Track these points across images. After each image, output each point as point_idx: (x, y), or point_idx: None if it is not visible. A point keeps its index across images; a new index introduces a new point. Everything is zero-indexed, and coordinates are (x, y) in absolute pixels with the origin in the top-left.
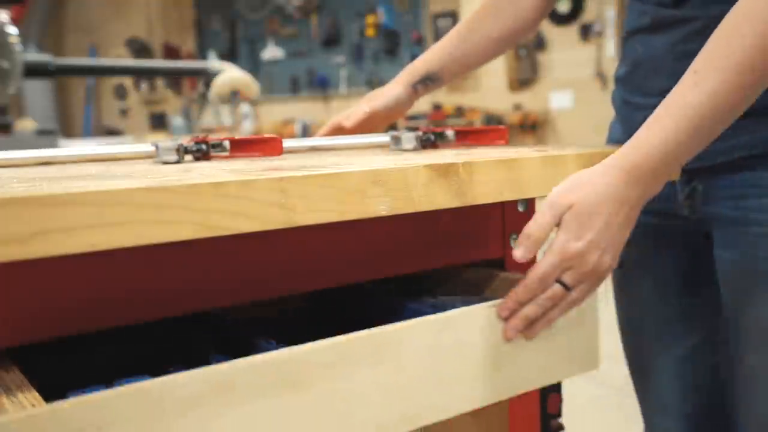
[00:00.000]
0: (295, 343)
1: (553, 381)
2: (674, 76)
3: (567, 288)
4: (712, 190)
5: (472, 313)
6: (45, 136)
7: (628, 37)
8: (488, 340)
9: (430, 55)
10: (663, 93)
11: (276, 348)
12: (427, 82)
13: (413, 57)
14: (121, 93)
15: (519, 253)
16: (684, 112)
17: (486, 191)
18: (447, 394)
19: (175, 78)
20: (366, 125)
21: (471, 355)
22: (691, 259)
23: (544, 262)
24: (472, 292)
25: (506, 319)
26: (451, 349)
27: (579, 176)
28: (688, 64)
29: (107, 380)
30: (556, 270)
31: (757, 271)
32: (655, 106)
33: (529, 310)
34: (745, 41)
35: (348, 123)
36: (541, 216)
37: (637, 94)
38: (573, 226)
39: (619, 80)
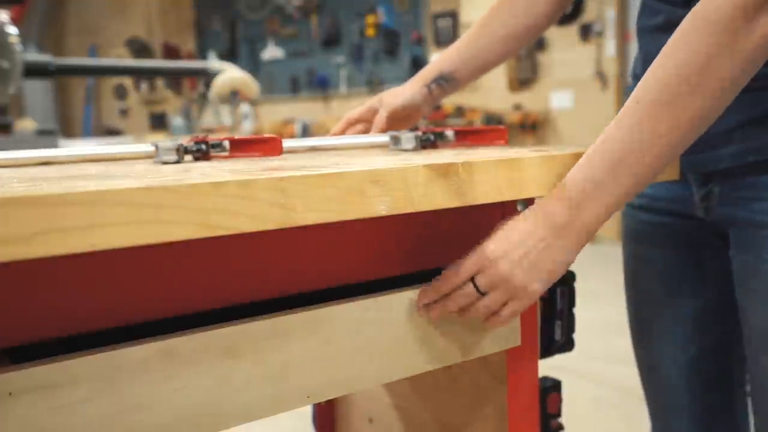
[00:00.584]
0: None
1: (476, 356)
2: None
3: (479, 291)
4: (727, 192)
5: (397, 296)
6: (45, 136)
7: (640, 34)
8: (412, 319)
9: (444, 55)
10: None
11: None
12: (441, 82)
13: (413, 57)
14: (121, 93)
15: (421, 299)
16: (602, 146)
17: (486, 191)
18: (372, 364)
19: (175, 78)
20: (386, 128)
21: (394, 331)
22: (705, 260)
23: (463, 260)
24: None
25: (425, 306)
26: (375, 325)
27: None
28: None
29: None
30: (471, 268)
31: None
32: None
33: (447, 304)
34: (667, 71)
35: (370, 127)
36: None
37: None
38: (494, 237)
39: (636, 77)
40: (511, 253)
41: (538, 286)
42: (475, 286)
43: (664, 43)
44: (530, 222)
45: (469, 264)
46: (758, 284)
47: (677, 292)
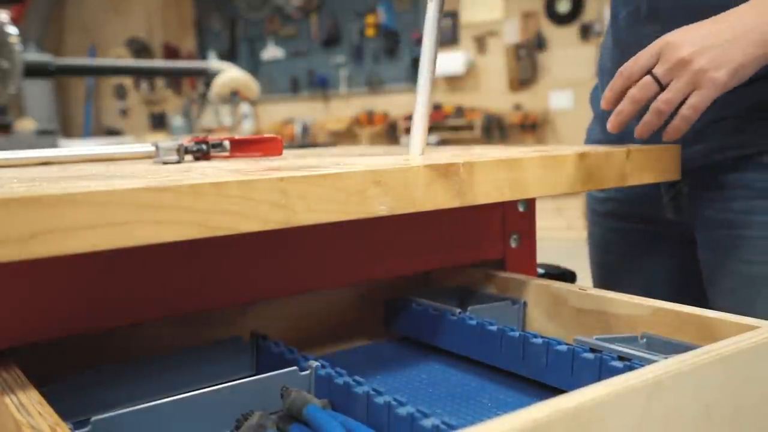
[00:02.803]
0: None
1: None
2: None
3: (658, 82)
4: (698, 191)
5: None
6: (45, 136)
7: (616, 25)
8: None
9: None
10: None
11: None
12: None
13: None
14: (121, 93)
15: (608, 92)
16: None
17: (486, 191)
18: None
19: (175, 78)
20: None
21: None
22: (679, 264)
23: (640, 52)
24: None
25: (607, 111)
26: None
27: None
28: None
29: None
30: (650, 54)
31: (746, 275)
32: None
33: (624, 103)
34: None
35: None
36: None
37: None
38: (675, 31)
39: (606, 72)
40: (694, 38)
41: (723, 75)
42: (654, 77)
43: (644, 31)
44: (717, 21)
45: (647, 51)
46: (729, 284)
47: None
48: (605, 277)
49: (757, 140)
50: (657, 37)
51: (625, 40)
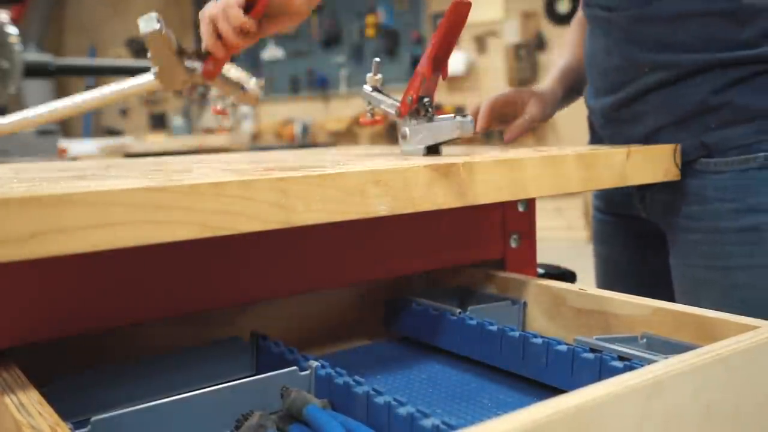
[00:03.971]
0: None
1: None
2: (606, 74)
3: None
4: (656, 195)
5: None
6: (45, 136)
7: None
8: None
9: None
10: (600, 94)
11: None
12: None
13: (413, 57)
14: None
15: None
16: None
17: (486, 191)
18: None
19: None
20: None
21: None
22: (648, 258)
23: None
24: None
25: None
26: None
27: None
28: (614, 59)
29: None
30: None
31: (689, 278)
32: (598, 111)
33: None
34: None
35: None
36: None
37: (590, 96)
38: None
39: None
40: None
41: None
42: None
43: (593, 42)
44: None
45: None
46: (679, 287)
47: (628, 289)
48: (605, 271)
49: (690, 149)
50: (597, 47)
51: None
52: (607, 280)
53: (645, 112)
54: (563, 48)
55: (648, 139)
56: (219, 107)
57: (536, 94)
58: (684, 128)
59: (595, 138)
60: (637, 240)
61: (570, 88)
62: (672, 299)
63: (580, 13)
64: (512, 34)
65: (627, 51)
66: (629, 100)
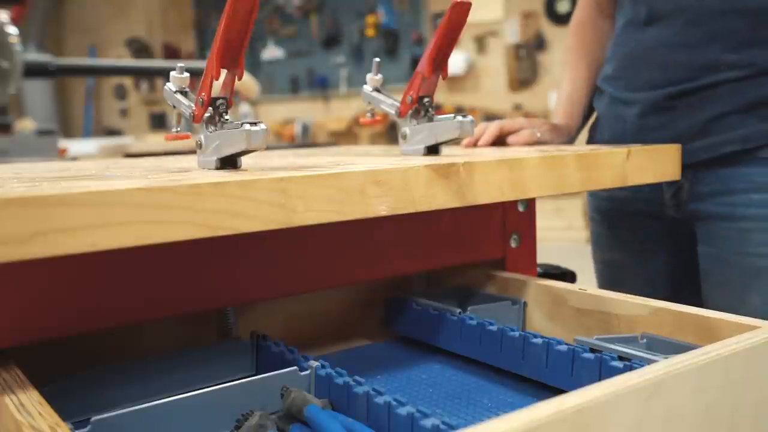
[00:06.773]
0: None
1: None
2: (665, 68)
3: None
4: (698, 186)
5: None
6: (45, 136)
7: (620, 32)
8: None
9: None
10: (653, 87)
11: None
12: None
13: (413, 57)
14: (121, 93)
15: None
16: None
17: (486, 191)
18: None
19: None
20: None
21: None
22: (680, 259)
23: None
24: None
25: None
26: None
27: None
28: (681, 55)
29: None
30: None
31: (740, 266)
32: (642, 101)
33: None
34: None
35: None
36: None
37: (625, 89)
38: None
39: (606, 79)
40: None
41: None
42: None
43: (646, 36)
44: None
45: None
46: (723, 276)
47: (654, 294)
48: (610, 275)
49: (758, 135)
50: (656, 42)
51: (624, 47)
52: (612, 286)
53: (710, 100)
54: (566, 67)
55: (707, 125)
56: (174, 132)
57: (550, 123)
58: (753, 114)
59: (595, 139)
60: (638, 241)
61: (582, 116)
62: (672, 299)
63: (579, 17)
64: (512, 34)
65: (702, 47)
66: (695, 90)
